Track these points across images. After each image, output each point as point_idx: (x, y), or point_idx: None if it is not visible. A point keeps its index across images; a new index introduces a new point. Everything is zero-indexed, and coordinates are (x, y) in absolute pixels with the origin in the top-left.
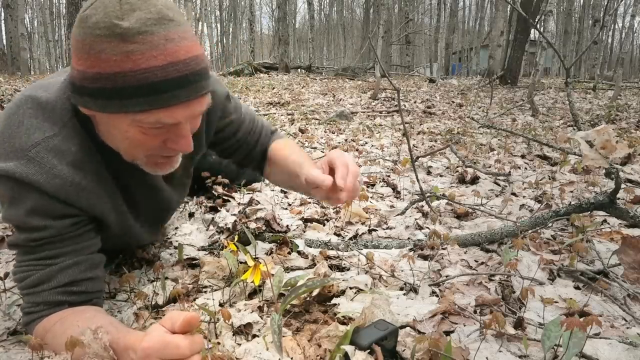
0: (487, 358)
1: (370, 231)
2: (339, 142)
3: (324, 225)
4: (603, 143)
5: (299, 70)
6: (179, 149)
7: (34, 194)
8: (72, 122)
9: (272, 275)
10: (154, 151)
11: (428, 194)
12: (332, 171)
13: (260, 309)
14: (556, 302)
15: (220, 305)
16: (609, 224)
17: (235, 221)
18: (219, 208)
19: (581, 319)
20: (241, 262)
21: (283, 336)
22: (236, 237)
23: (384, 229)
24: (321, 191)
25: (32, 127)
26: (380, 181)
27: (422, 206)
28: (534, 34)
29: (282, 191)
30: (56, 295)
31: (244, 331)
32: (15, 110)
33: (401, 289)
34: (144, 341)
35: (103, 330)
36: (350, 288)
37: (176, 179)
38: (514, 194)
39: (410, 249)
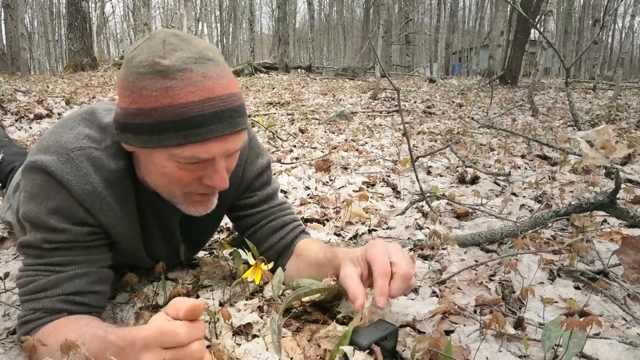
0: (487, 358)
1: (370, 231)
2: (339, 142)
3: (324, 225)
4: (603, 143)
5: (299, 70)
6: (213, 184)
7: (61, 194)
8: (121, 146)
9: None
10: (190, 188)
11: (428, 194)
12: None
13: (260, 309)
14: (556, 302)
15: (220, 305)
16: (609, 224)
17: None
18: None
19: (581, 319)
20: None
21: (283, 336)
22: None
23: (384, 229)
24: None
25: (81, 134)
26: (380, 181)
27: (422, 206)
28: (534, 34)
29: (282, 191)
30: (57, 302)
31: (244, 331)
32: (74, 117)
33: None
34: (141, 330)
35: (80, 342)
36: None
37: (193, 232)
38: (514, 194)
39: (410, 249)
